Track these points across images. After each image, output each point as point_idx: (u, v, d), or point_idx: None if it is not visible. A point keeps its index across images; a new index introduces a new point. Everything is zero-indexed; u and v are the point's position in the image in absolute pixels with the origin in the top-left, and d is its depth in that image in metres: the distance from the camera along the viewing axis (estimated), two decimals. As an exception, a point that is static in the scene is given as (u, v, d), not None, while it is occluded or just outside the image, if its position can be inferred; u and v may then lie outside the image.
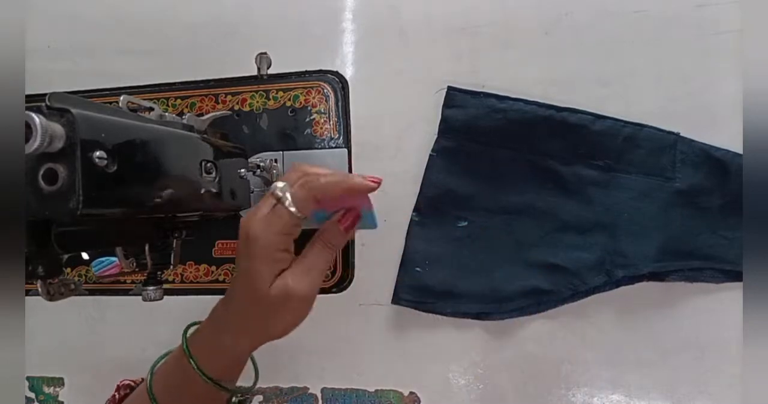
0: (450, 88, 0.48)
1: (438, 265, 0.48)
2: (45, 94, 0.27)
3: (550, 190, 0.47)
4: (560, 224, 0.47)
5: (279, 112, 0.53)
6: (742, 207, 0.43)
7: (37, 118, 0.24)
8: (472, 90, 0.47)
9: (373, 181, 0.35)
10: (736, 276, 0.44)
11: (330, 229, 0.37)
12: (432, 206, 0.48)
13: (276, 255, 0.35)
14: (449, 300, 0.47)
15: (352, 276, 0.50)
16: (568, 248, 0.46)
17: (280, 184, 0.35)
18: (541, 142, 0.46)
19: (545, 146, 0.46)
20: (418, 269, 0.48)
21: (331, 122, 0.52)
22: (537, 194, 0.47)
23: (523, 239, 0.47)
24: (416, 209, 0.49)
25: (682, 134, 0.45)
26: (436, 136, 0.48)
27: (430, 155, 0.48)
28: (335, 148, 0.52)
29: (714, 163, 0.44)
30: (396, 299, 0.48)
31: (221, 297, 0.38)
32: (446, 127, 0.48)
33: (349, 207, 0.37)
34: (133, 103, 0.38)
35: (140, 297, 0.39)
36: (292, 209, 0.34)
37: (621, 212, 0.45)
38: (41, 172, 0.26)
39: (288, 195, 0.34)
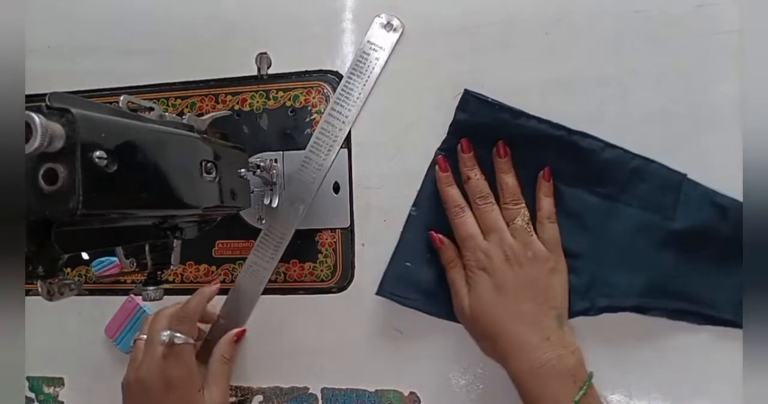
0: (466, 92, 0.47)
1: (428, 263, 0.47)
2: (45, 94, 0.27)
3: None
4: None
5: (279, 112, 0.53)
6: (736, 255, 0.43)
7: (37, 118, 0.24)
8: (487, 99, 0.47)
9: (214, 284, 0.50)
10: (718, 321, 0.44)
11: (224, 345, 0.49)
12: (431, 202, 0.48)
13: (197, 380, 0.46)
14: (434, 300, 0.47)
15: (352, 276, 0.50)
16: None
17: (164, 333, 0.44)
18: (549, 160, 0.46)
19: (552, 165, 0.46)
20: (408, 263, 0.47)
21: (331, 122, 0.52)
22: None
23: None
24: (415, 204, 0.49)
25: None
26: (445, 136, 0.48)
27: (436, 152, 0.48)
28: (335, 148, 0.52)
29: (715, 209, 0.44)
30: (381, 290, 0.48)
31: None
32: (455, 129, 0.47)
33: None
34: (133, 103, 0.38)
35: (140, 297, 0.39)
36: (191, 340, 0.45)
37: (615, 242, 0.45)
38: (41, 172, 0.26)
39: (177, 334, 0.44)
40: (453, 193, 0.46)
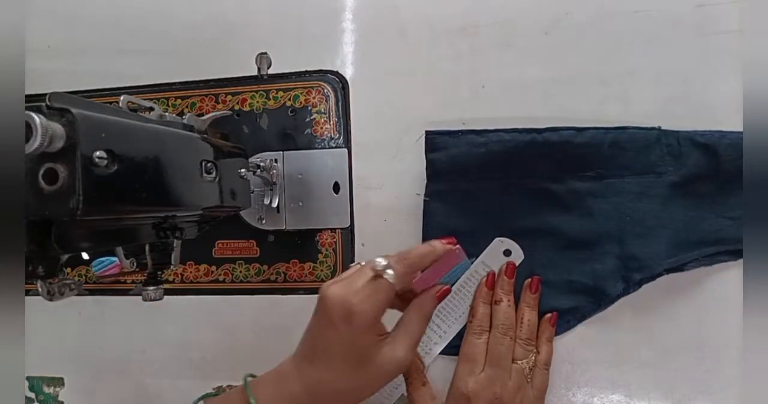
0: (428, 132, 0.47)
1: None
2: (45, 94, 0.27)
3: (550, 210, 0.47)
4: (567, 241, 0.46)
5: (279, 112, 0.53)
6: (738, 187, 0.44)
7: (37, 118, 0.24)
8: (450, 130, 0.47)
9: (449, 243, 0.40)
10: None
11: (425, 299, 0.41)
12: None
13: (379, 326, 0.38)
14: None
15: (352, 276, 0.50)
16: (581, 263, 0.46)
17: (381, 260, 0.38)
18: (529, 165, 0.46)
19: (534, 169, 0.46)
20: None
21: (331, 122, 0.52)
22: (537, 217, 0.47)
23: (534, 263, 0.47)
24: None
25: (663, 127, 0.45)
26: (425, 181, 0.48)
27: (425, 201, 0.48)
28: (335, 148, 0.52)
29: (701, 148, 0.44)
30: None
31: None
32: (433, 172, 0.47)
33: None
34: (133, 103, 0.38)
35: (140, 297, 0.39)
36: (393, 281, 0.37)
37: (623, 216, 0.45)
38: (41, 172, 0.26)
39: (390, 270, 0.37)
40: (484, 312, 0.46)
